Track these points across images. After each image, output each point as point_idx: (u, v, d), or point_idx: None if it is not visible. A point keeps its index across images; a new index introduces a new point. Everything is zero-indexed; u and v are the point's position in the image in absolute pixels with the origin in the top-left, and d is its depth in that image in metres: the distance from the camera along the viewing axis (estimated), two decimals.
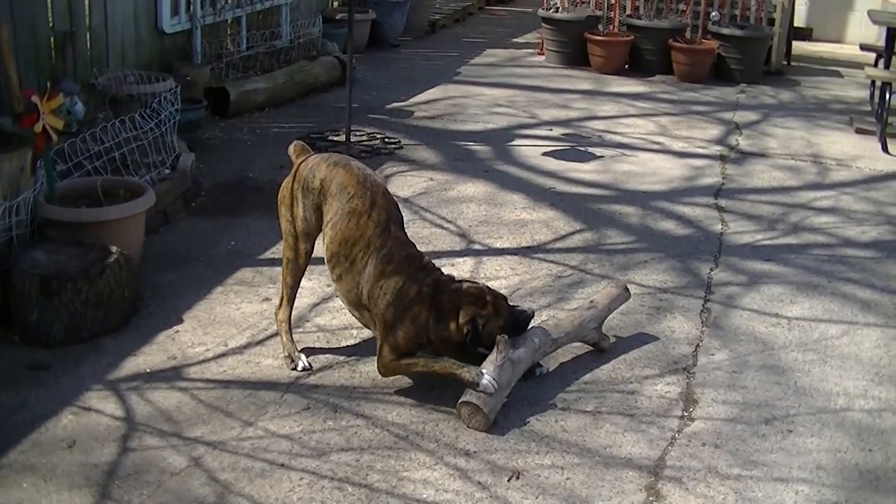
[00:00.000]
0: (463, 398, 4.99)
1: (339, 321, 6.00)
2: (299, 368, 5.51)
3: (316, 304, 6.26)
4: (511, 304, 5.36)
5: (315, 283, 6.53)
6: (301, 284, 6.27)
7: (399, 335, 5.14)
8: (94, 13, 8.66)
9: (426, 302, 5.16)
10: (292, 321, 5.76)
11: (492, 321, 5.18)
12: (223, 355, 5.60)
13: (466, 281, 5.36)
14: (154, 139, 7.43)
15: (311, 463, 4.63)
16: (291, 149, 5.73)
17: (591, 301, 5.87)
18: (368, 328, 5.48)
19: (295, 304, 5.92)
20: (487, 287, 5.33)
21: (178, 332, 5.84)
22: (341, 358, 5.63)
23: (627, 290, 6.03)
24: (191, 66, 10.05)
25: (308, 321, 6.04)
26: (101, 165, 6.89)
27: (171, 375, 5.36)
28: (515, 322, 5.31)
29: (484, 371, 5.04)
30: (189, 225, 7.48)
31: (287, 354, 5.58)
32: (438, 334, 5.16)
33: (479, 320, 5.14)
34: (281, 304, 5.68)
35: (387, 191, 5.48)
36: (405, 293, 5.16)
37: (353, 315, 5.49)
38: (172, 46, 10.09)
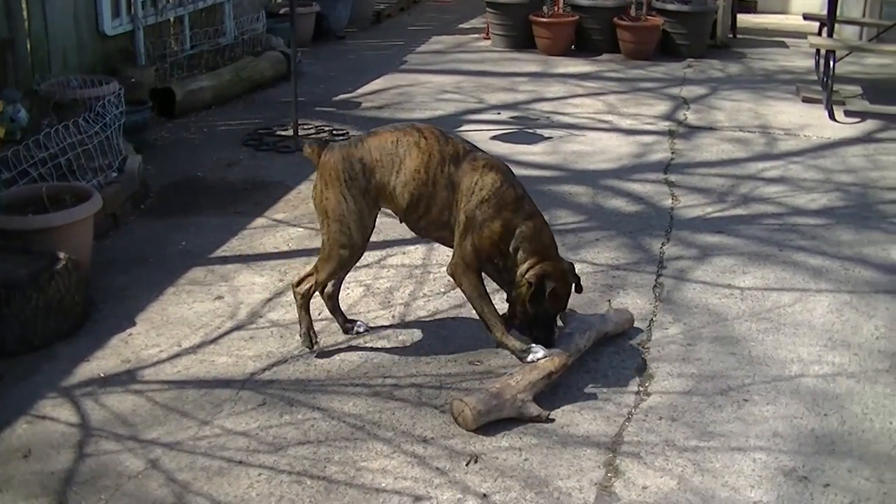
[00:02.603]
0: (464, 398, 4.93)
1: (292, 315, 5.97)
2: (312, 350, 5.61)
3: (269, 300, 6.24)
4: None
5: (267, 279, 6.52)
6: (252, 281, 6.29)
7: (484, 233, 5.22)
8: (33, 19, 8.60)
9: (522, 214, 5.25)
10: (247, 317, 5.76)
11: (559, 292, 5.26)
12: (177, 356, 5.58)
13: None
14: (100, 143, 7.37)
15: (269, 458, 4.62)
16: (307, 149, 5.52)
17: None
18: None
19: (247, 301, 5.92)
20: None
21: (131, 334, 5.81)
22: (296, 352, 5.61)
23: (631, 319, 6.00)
24: (135, 68, 9.99)
25: (261, 317, 6.02)
26: (47, 172, 6.82)
27: (126, 379, 5.33)
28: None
29: (538, 347, 5.21)
30: (139, 227, 7.43)
31: (303, 332, 5.61)
32: (511, 263, 5.28)
33: (549, 283, 5.18)
34: (304, 282, 5.58)
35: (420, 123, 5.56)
36: (503, 195, 5.24)
37: (448, 243, 5.48)
38: (115, 48, 10.02)
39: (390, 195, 5.36)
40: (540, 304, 5.22)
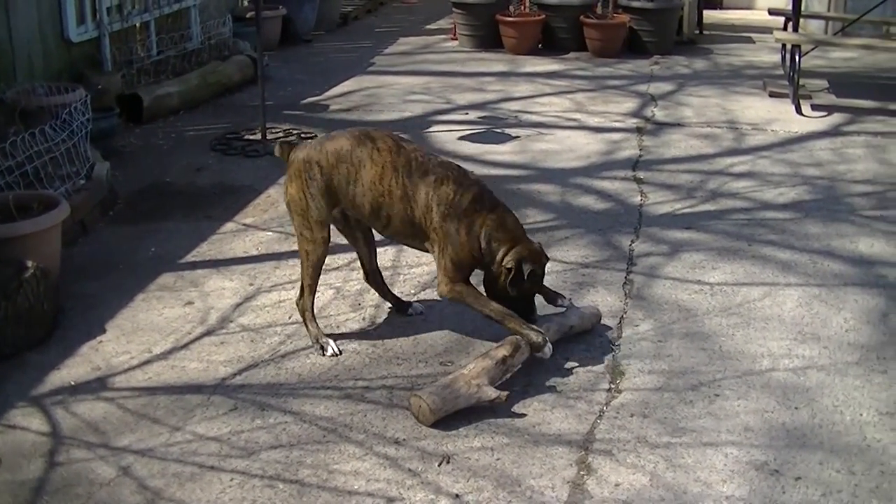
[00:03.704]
0: (419, 393, 4.96)
1: (262, 319, 5.98)
2: (328, 354, 5.64)
3: (239, 304, 6.22)
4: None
5: (237, 284, 6.50)
6: (222, 286, 6.28)
7: (456, 245, 5.35)
8: None
9: (483, 210, 5.38)
10: (217, 322, 5.76)
11: (536, 272, 5.42)
12: (148, 362, 5.56)
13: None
14: (67, 150, 7.34)
15: (241, 463, 4.61)
16: (278, 150, 5.77)
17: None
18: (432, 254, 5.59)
19: (217, 306, 5.92)
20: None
21: (101, 342, 5.79)
22: (267, 356, 5.60)
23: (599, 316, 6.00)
24: (101, 74, 9.94)
25: (232, 321, 6.01)
26: (14, 180, 6.79)
27: (97, 386, 5.31)
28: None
29: (549, 339, 5.34)
30: (108, 234, 7.40)
31: (315, 341, 5.69)
32: (488, 256, 5.41)
33: (526, 266, 5.32)
34: (302, 295, 5.74)
35: (375, 130, 5.71)
36: (460, 202, 5.35)
37: (417, 248, 5.69)
38: (81, 55, 9.98)
39: (350, 202, 5.53)
40: (521, 286, 5.37)
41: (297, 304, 5.80)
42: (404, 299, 6.21)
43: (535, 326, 5.35)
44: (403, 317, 6.06)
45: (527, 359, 5.36)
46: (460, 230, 5.32)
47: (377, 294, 6.16)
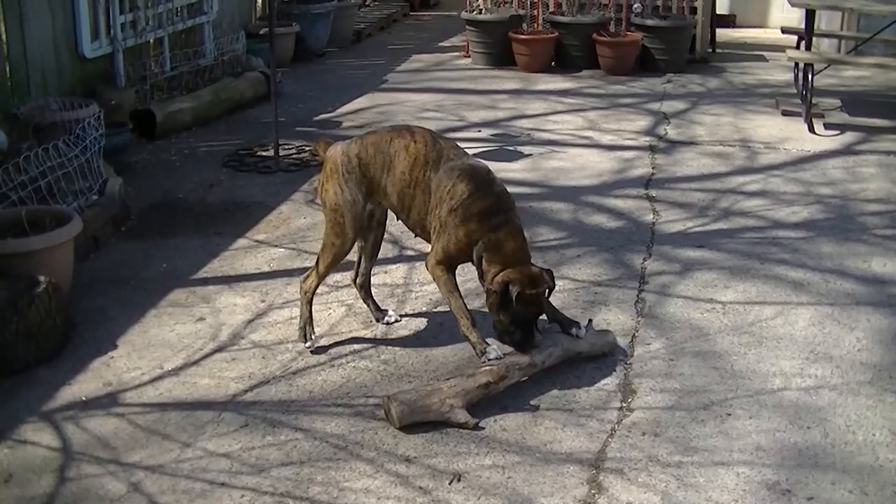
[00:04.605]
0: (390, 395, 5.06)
1: (274, 336, 5.97)
2: (306, 345, 5.85)
3: (251, 321, 6.22)
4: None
5: (249, 300, 6.50)
6: (234, 302, 6.28)
7: (451, 239, 5.43)
8: (11, 42, 8.57)
9: (485, 227, 5.40)
10: (228, 339, 5.78)
11: (527, 294, 5.35)
12: (159, 378, 5.56)
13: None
14: (80, 166, 7.35)
15: (252, 480, 4.61)
16: (316, 147, 6.02)
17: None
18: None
19: (228, 322, 5.94)
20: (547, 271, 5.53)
21: (112, 357, 5.79)
22: (278, 373, 5.60)
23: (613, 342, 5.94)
24: (114, 90, 9.96)
25: (243, 338, 6.01)
26: (27, 195, 6.81)
27: (107, 402, 5.31)
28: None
29: (496, 347, 5.38)
30: (120, 249, 7.41)
31: (302, 325, 5.90)
32: (479, 272, 5.48)
33: (513, 288, 5.29)
34: (309, 277, 5.90)
35: (415, 125, 5.91)
36: (470, 206, 5.42)
37: (426, 239, 5.77)
38: (95, 71, 10.00)
39: (382, 192, 5.67)
40: (508, 309, 5.32)
41: (301, 284, 5.93)
42: (411, 315, 6.30)
43: (483, 339, 5.42)
44: (415, 334, 6.07)
45: (536, 375, 5.37)
46: (459, 231, 5.40)
47: (360, 298, 6.27)
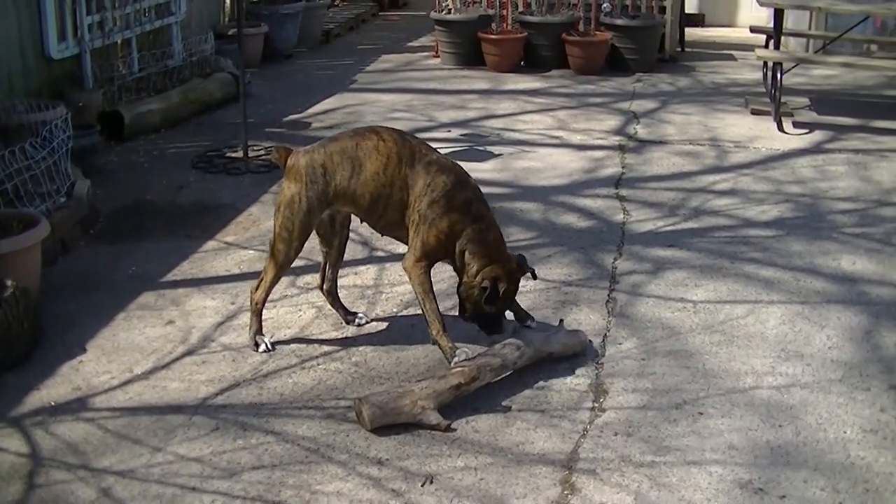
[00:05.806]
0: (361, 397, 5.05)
1: (244, 338, 5.94)
2: (260, 350, 5.83)
3: (220, 324, 6.19)
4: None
5: (219, 303, 6.47)
6: (204, 305, 6.25)
7: (432, 231, 5.51)
8: None
9: (468, 218, 5.54)
10: (198, 342, 5.75)
11: (510, 290, 5.62)
12: (129, 382, 5.52)
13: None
14: (47, 168, 7.29)
15: (223, 484, 4.58)
16: (275, 155, 5.87)
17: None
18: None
19: (198, 325, 5.91)
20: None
21: (81, 361, 5.75)
22: (248, 375, 5.57)
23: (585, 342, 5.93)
24: (82, 92, 9.89)
25: (213, 341, 5.98)
26: None
27: (77, 406, 5.27)
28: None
29: (466, 350, 5.45)
30: (88, 252, 7.36)
31: (252, 335, 5.89)
32: (460, 263, 5.58)
33: (500, 285, 5.47)
34: (259, 287, 5.88)
35: (379, 126, 5.99)
36: (452, 196, 5.55)
37: (399, 238, 5.84)
38: (62, 72, 9.93)
39: (350, 197, 5.63)
40: (494, 304, 5.53)
41: (251, 294, 5.90)
42: (382, 317, 6.28)
43: (454, 345, 5.49)
44: (385, 336, 6.05)
45: (508, 376, 5.37)
46: (442, 222, 5.48)
47: (328, 303, 6.25)
